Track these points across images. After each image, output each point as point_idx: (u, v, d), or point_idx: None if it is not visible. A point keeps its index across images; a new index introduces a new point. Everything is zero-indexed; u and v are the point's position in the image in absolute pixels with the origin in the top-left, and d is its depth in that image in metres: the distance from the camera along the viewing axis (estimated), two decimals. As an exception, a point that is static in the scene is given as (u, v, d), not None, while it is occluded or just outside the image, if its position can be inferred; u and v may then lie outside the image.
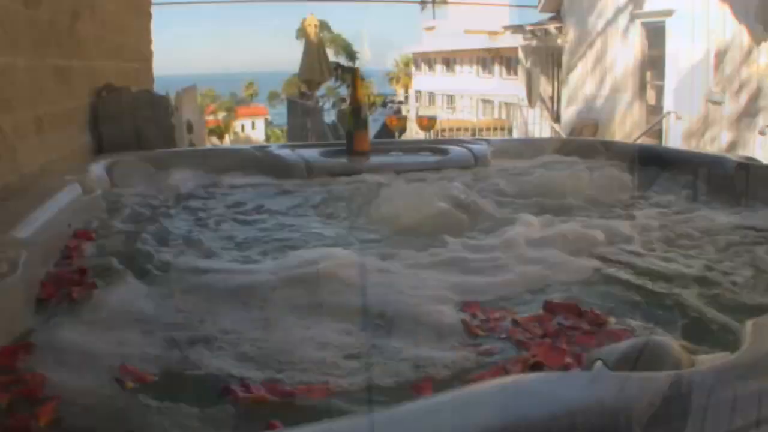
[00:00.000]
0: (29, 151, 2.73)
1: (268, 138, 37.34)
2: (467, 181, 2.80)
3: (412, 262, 1.94)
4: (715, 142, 9.70)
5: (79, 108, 3.80)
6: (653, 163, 3.17)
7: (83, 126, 3.90)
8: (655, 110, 10.88)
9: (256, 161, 2.80)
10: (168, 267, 1.82)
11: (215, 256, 1.99)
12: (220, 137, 43.11)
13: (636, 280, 1.82)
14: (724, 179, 2.63)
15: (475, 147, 3.21)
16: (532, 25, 13.85)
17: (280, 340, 1.43)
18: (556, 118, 12.87)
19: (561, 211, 2.47)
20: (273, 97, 46.37)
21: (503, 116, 14.28)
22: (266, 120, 44.55)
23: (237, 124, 49.76)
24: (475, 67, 27.33)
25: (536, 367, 1.31)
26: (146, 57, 6.52)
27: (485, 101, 22.59)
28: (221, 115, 48.40)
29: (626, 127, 11.14)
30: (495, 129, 11.51)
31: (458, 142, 3.34)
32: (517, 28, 14.21)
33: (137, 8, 5.95)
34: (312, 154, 2.88)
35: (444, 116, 14.14)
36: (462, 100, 25.51)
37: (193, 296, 1.63)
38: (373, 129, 10.43)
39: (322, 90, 43.21)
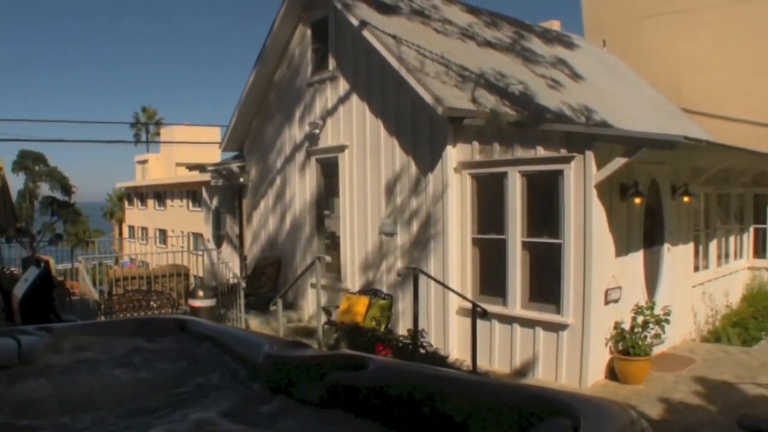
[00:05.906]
0: None
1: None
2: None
3: None
4: (392, 272, 9.95)
5: None
6: (216, 343, 2.67)
7: None
8: (335, 244, 11.01)
9: None
10: None
11: None
12: None
13: None
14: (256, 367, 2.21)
15: (26, 339, 2.55)
16: (214, 164, 13.65)
17: None
18: (243, 257, 12.55)
19: None
20: (-11, 239, 41.61)
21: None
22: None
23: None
24: (185, 200, 26.70)
25: None
26: None
27: (198, 235, 21.86)
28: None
29: (307, 261, 11.09)
30: (172, 275, 10.71)
31: (14, 332, 2.68)
32: (200, 168, 13.89)
33: None
34: None
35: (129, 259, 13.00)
36: (174, 236, 24.54)
37: None
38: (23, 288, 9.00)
39: (38, 225, 39.38)
